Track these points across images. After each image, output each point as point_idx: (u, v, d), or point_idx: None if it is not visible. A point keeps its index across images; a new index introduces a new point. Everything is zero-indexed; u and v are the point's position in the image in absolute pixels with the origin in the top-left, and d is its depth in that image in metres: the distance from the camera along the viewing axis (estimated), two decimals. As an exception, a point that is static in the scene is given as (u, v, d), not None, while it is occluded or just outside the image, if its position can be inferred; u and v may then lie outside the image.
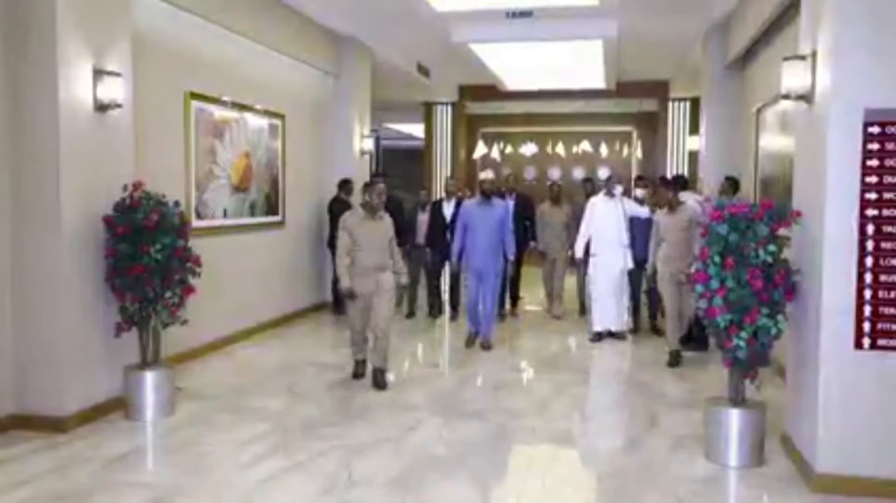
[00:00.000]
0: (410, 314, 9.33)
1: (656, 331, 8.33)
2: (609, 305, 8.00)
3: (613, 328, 8.07)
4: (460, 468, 4.42)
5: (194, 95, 6.95)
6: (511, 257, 7.62)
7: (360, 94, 10.24)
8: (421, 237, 9.11)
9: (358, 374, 6.32)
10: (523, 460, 4.70)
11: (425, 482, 4.21)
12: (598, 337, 8.05)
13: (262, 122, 8.28)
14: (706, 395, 5.20)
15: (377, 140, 16.67)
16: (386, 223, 6.16)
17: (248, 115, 7.96)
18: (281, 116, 8.69)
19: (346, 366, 6.64)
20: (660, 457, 4.62)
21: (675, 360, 6.92)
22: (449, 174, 9.20)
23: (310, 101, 9.61)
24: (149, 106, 6.14)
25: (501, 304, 9.02)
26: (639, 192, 8.64)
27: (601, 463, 4.59)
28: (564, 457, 4.79)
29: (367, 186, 6.13)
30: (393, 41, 10.69)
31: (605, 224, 7.97)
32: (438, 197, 8.85)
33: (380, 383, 6.01)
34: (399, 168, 18.59)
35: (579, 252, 8.30)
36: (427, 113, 16.31)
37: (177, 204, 5.30)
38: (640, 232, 8.02)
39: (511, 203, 8.91)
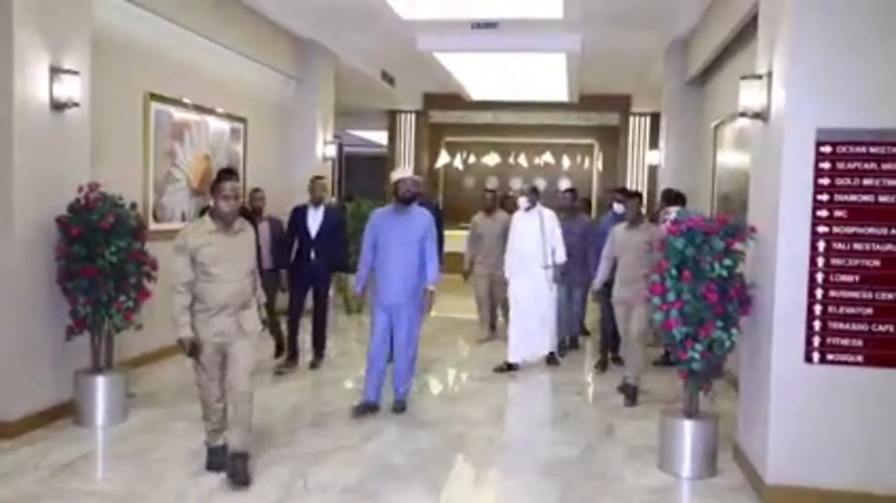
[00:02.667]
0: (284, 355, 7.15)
1: (616, 360, 7.28)
2: (527, 334, 7.08)
3: (531, 358, 7.21)
4: (417, 476, 4.40)
5: (154, 96, 6.86)
6: (432, 286, 5.62)
7: (323, 100, 10.19)
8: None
9: (215, 465, 4.36)
10: (479, 469, 4.71)
11: (383, 490, 4.19)
12: (508, 368, 7.07)
13: (223, 125, 8.19)
14: (660, 406, 5.27)
15: (340, 146, 16.60)
16: (247, 238, 4.35)
17: (210, 118, 7.88)
18: (242, 120, 8.61)
19: (303, 375, 6.58)
20: (614, 467, 4.66)
21: (631, 393, 6.06)
22: (318, 174, 7.41)
23: (272, 105, 9.53)
24: (107, 106, 6.03)
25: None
26: (617, 207, 7.30)
27: (555, 471, 4.62)
28: (519, 465, 4.81)
29: (215, 185, 4.19)
30: (358, 47, 10.67)
31: (522, 242, 7.09)
32: (302, 203, 7.01)
33: (240, 475, 4.14)
34: (362, 175, 18.54)
35: (508, 271, 7.28)
36: (391, 120, 16.30)
37: (133, 206, 5.22)
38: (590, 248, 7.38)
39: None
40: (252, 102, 8.90)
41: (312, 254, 6.76)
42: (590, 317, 8.77)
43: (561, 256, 7.09)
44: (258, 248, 5.16)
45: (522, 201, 7.21)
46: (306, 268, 6.78)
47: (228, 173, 4.24)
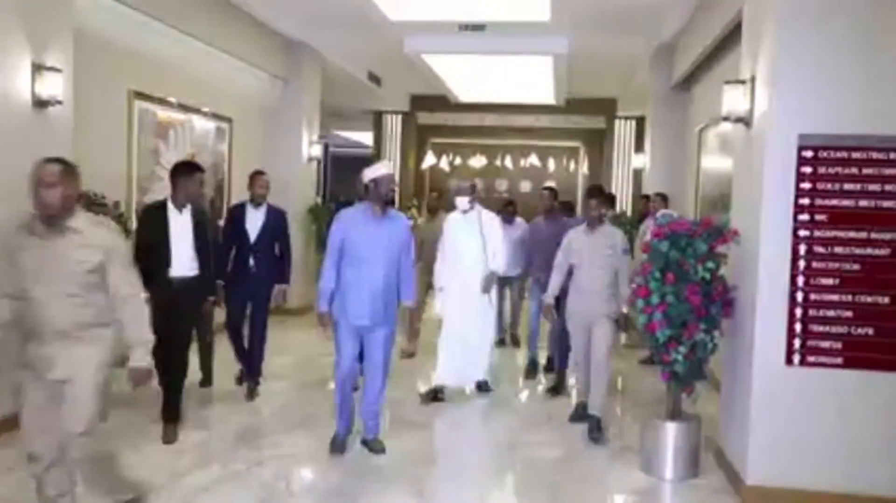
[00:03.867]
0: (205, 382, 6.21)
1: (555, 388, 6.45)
2: (458, 354, 5.97)
3: (459, 383, 6.19)
4: (400, 478, 4.40)
5: (138, 95, 6.82)
6: (410, 302, 4.92)
7: (309, 100, 10.17)
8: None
9: None
10: (463, 469, 4.71)
11: (366, 490, 4.19)
12: (433, 395, 6.00)
13: (208, 125, 8.16)
14: (643, 409, 5.30)
15: (326, 147, 16.58)
16: (81, 242, 3.18)
17: (195, 117, 7.84)
18: (228, 119, 8.57)
19: (291, 375, 6.56)
20: (597, 469, 4.68)
21: (579, 416, 5.48)
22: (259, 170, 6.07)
23: (258, 105, 9.50)
24: (90, 104, 5.99)
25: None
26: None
27: (539, 474, 4.63)
28: (503, 466, 4.81)
29: (34, 174, 3.16)
30: (345, 48, 10.66)
31: (458, 250, 6.01)
32: (240, 201, 6.08)
33: None
34: (348, 176, 18.50)
35: (437, 283, 6.22)
36: (377, 121, 16.28)
37: (116, 205, 5.18)
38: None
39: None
40: (238, 102, 8.86)
41: (251, 262, 5.76)
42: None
43: (498, 263, 6.03)
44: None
45: (461, 201, 6.03)
46: (244, 279, 5.77)
47: (51, 162, 3.17)
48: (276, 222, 5.87)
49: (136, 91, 6.79)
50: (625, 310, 5.29)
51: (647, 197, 8.23)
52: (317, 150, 10.36)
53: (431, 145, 16.82)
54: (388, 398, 5.17)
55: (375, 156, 16.28)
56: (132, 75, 6.75)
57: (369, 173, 4.66)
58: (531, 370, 7.07)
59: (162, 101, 7.21)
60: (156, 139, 7.14)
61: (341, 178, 18.34)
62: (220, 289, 5.66)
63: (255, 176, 5.91)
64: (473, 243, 5.97)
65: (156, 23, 6.81)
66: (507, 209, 7.97)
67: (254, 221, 5.79)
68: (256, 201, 5.84)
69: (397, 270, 4.72)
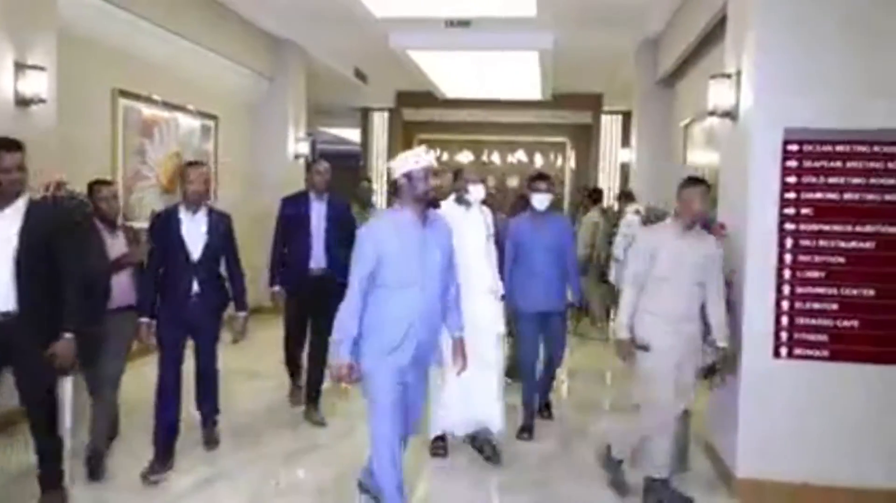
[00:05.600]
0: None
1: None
2: (464, 391, 4.53)
3: (469, 430, 4.75)
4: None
5: (123, 93, 6.77)
6: (460, 333, 3.80)
7: (295, 98, 10.13)
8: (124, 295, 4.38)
9: None
10: (450, 466, 4.72)
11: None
12: (440, 447, 4.71)
13: (193, 123, 8.11)
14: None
15: (313, 144, 16.53)
16: None
17: (180, 115, 7.79)
18: (213, 117, 8.53)
19: (277, 374, 6.54)
20: (588, 464, 4.68)
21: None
22: (193, 160, 5.43)
23: (244, 102, 9.45)
24: (74, 102, 5.94)
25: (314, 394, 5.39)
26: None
27: (529, 469, 4.64)
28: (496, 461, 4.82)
29: None
30: (330, 45, 10.62)
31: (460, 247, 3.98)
32: (169, 205, 4.75)
33: None
34: (335, 172, 18.41)
35: None
36: (364, 118, 16.25)
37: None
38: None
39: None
40: (223, 100, 8.81)
41: (195, 286, 4.34)
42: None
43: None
44: (102, 274, 4.16)
45: (476, 190, 4.66)
46: (183, 307, 4.32)
47: None
48: (222, 231, 4.51)
49: (121, 89, 6.74)
50: (722, 344, 4.05)
51: (586, 189, 8.30)
52: (304, 147, 10.33)
53: (418, 141, 16.79)
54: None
55: (363, 152, 16.26)
56: (117, 73, 6.70)
57: (399, 166, 3.47)
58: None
59: (147, 99, 7.16)
60: (141, 138, 7.09)
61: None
62: (146, 326, 4.30)
63: (190, 168, 4.41)
64: (475, 244, 4.60)
65: (141, 21, 6.77)
66: (520, 203, 6.67)
67: (193, 231, 4.36)
68: (194, 203, 4.36)
69: (444, 292, 3.58)
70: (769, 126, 4.15)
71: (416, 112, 16.10)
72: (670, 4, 7.76)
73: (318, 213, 5.37)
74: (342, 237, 4.98)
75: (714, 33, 6.52)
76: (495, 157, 16.85)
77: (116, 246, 4.40)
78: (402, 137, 16.51)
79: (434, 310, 3.51)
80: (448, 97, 14.37)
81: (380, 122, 16.22)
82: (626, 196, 8.86)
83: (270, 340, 7.50)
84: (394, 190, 3.51)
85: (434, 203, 3.93)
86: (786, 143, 4.14)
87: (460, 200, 4.65)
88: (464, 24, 8.84)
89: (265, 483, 4.24)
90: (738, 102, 4.47)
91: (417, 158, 3.45)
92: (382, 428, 3.40)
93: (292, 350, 5.77)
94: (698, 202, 3.96)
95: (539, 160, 16.59)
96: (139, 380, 4.94)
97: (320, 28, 9.66)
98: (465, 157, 16.78)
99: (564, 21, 8.67)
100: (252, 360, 7.17)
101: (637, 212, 7.36)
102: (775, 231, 4.17)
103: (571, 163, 16.48)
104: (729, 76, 4.57)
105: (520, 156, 16.73)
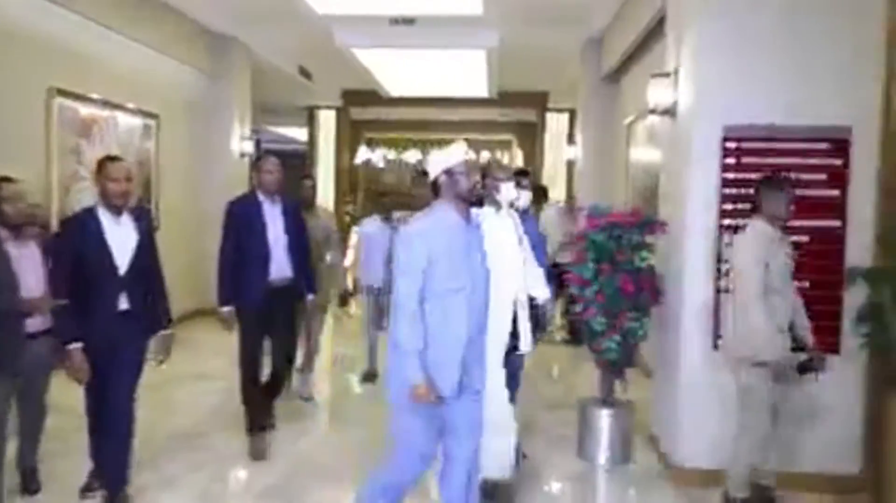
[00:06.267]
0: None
1: None
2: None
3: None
4: (344, 474, 4.37)
5: (58, 91, 6.57)
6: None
7: (239, 96, 9.98)
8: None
9: None
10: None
11: (307, 488, 4.15)
12: None
13: (134, 122, 7.93)
14: (579, 396, 5.39)
15: (258, 142, 16.32)
16: None
17: (119, 114, 7.61)
18: (155, 116, 8.35)
19: (225, 376, 6.45)
20: (535, 456, 4.73)
21: None
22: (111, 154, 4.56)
23: (186, 100, 9.27)
24: (6, 101, 5.75)
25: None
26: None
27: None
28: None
29: None
30: (274, 43, 10.49)
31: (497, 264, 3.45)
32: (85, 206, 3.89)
33: None
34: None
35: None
36: (310, 117, 16.11)
37: (36, 206, 4.98)
38: None
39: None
40: (165, 98, 8.63)
41: (123, 302, 3.71)
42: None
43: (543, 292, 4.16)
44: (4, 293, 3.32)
45: (508, 190, 3.92)
46: (105, 330, 3.66)
47: None
48: (144, 230, 3.85)
49: (57, 87, 6.55)
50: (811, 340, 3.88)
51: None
52: (249, 146, 10.18)
53: (366, 140, 16.75)
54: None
55: (310, 152, 16.11)
56: (52, 71, 6.49)
57: (438, 162, 3.18)
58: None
59: (84, 98, 6.97)
60: (77, 138, 6.89)
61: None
62: (77, 352, 3.59)
63: (110, 164, 3.77)
64: (511, 255, 3.80)
65: (77, 17, 6.58)
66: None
67: (119, 238, 3.70)
68: (114, 205, 3.69)
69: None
70: (708, 123, 4.25)
71: (363, 110, 16.04)
72: (614, 3, 7.87)
73: (272, 216, 4.64)
74: (298, 243, 4.72)
75: (656, 31, 6.63)
76: (443, 155, 16.92)
77: (25, 258, 3.73)
78: (350, 136, 16.44)
79: (482, 325, 3.18)
80: (394, 95, 14.34)
81: (326, 120, 16.10)
82: (542, 191, 8.88)
83: (217, 342, 7.41)
84: (434, 189, 3.19)
85: (479, 201, 3.54)
86: (725, 139, 4.25)
87: (491, 202, 3.87)
88: (409, 22, 8.82)
89: (211, 486, 4.17)
90: (678, 100, 4.57)
91: (456, 153, 3.20)
92: (403, 471, 3.14)
93: (253, 385, 4.70)
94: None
95: (486, 158, 16.68)
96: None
97: (264, 25, 9.54)
98: (412, 155, 16.80)
99: (510, 19, 8.72)
100: (199, 363, 7.06)
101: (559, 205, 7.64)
102: (715, 226, 4.27)
103: (519, 160, 16.62)
104: (668, 75, 4.66)
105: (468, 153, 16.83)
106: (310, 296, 4.89)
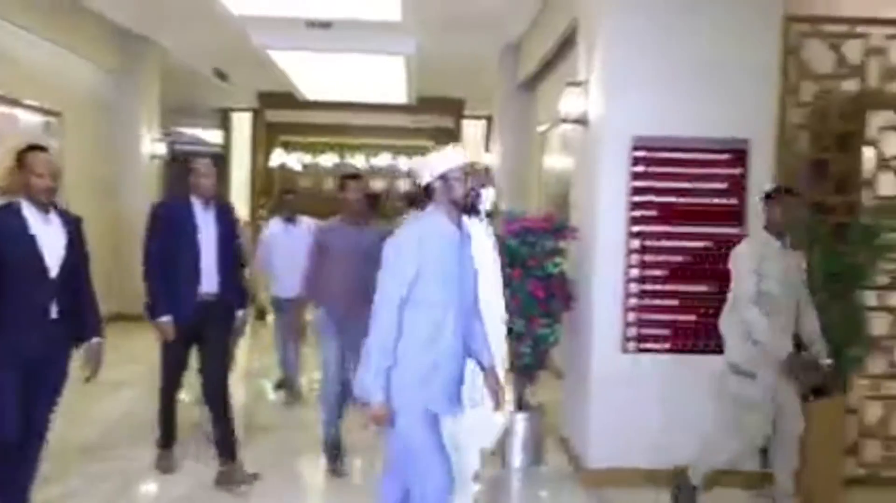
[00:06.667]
0: None
1: None
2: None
3: None
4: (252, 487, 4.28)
5: (-49, 86, 6.24)
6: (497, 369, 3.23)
7: (148, 95, 9.70)
8: None
9: None
10: (315, 473, 4.66)
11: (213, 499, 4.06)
12: None
13: (34, 119, 7.59)
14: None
15: (171, 145, 15.89)
16: None
17: (18, 111, 7.27)
18: (57, 114, 8.01)
19: (138, 383, 6.23)
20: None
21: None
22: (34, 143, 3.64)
23: (92, 98, 8.94)
24: None
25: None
26: None
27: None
28: (350, 467, 4.80)
29: None
30: (188, 42, 10.21)
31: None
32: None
33: None
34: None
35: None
36: (225, 119, 15.78)
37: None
38: None
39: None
40: (68, 96, 8.29)
41: (53, 311, 3.35)
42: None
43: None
44: None
45: (487, 195, 3.78)
46: (31, 340, 3.28)
47: None
48: (78, 237, 3.53)
49: (-51, 82, 6.22)
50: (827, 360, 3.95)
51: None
52: (161, 148, 9.90)
53: (281, 143, 16.52)
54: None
55: (225, 154, 15.75)
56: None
57: (432, 167, 2.98)
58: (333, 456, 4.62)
59: (-22, 94, 6.64)
60: (-28, 134, 6.56)
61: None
62: None
63: (33, 154, 3.39)
64: (495, 263, 3.63)
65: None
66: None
67: (47, 237, 3.35)
68: (40, 202, 3.34)
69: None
70: (618, 132, 4.38)
71: (279, 113, 15.81)
72: (530, 11, 7.98)
73: (206, 224, 4.22)
74: (232, 254, 4.34)
75: (571, 39, 6.77)
76: (360, 160, 16.84)
77: None
78: (266, 139, 16.18)
79: (468, 336, 3.01)
80: (311, 99, 14.19)
81: (242, 122, 15.79)
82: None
83: (136, 348, 7.13)
84: (427, 193, 3.00)
85: (473, 208, 3.34)
86: (633, 149, 4.38)
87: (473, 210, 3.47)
88: (325, 25, 8.75)
89: (117, 499, 4.02)
90: (589, 110, 4.69)
91: (454, 156, 2.97)
92: (434, 474, 2.83)
93: (173, 399, 4.51)
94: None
95: (403, 163, 16.74)
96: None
97: (176, 24, 9.28)
98: (328, 159, 16.69)
99: (429, 26, 8.76)
100: (113, 370, 6.74)
101: None
102: (624, 232, 4.40)
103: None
104: (579, 84, 4.78)
105: (384, 159, 16.82)
106: (239, 312, 4.42)
